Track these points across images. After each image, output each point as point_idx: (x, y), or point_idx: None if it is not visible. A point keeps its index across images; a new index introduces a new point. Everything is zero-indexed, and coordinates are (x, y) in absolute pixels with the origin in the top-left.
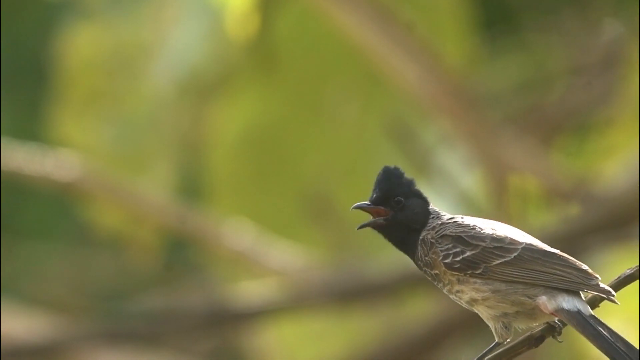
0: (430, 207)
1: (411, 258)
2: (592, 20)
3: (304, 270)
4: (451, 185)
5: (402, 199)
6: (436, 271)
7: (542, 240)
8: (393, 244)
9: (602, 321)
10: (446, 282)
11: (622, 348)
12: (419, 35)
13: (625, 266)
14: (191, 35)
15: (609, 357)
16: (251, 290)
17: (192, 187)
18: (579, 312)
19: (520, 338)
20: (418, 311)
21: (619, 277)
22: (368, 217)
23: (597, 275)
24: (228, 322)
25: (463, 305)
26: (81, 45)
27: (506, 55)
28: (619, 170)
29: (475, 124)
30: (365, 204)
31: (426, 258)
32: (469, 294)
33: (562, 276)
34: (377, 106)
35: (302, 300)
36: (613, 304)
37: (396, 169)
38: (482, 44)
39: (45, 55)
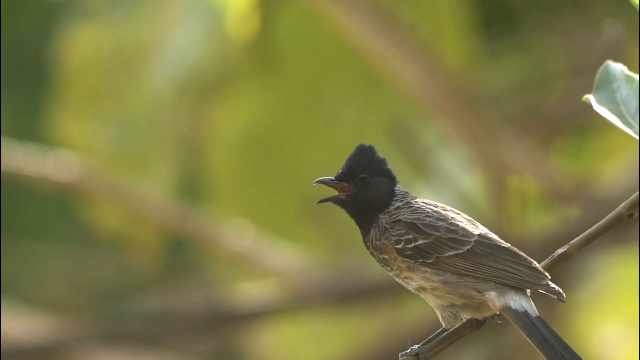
0: (397, 188)
1: (362, 236)
2: (592, 21)
3: (303, 271)
4: (451, 186)
5: (367, 176)
6: (385, 256)
7: (542, 242)
8: (353, 219)
9: (547, 324)
10: (395, 267)
11: (565, 356)
12: (419, 36)
13: (625, 267)
14: (191, 35)
15: None
16: (251, 291)
17: (192, 188)
18: (525, 313)
19: (463, 321)
20: (417, 312)
21: (551, 257)
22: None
23: (547, 274)
24: (228, 323)
25: (410, 290)
26: (81, 45)
27: (506, 56)
28: (618, 171)
29: (475, 124)
30: (328, 179)
31: (377, 242)
32: (417, 282)
33: (513, 273)
34: (377, 107)
35: (301, 301)
36: (611, 304)
37: (369, 147)
38: (481, 45)
39: (45, 55)
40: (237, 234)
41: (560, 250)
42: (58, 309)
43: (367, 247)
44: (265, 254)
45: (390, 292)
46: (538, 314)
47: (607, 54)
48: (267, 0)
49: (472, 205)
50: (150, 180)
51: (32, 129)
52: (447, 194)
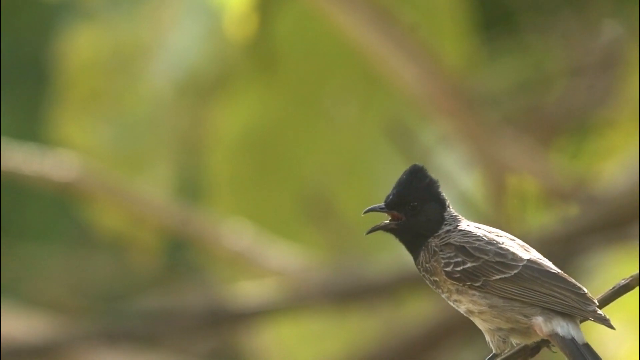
0: (446, 213)
1: (414, 261)
2: (591, 21)
3: (302, 270)
4: (450, 185)
5: (417, 205)
6: (436, 278)
7: (542, 241)
8: (402, 243)
9: (595, 351)
10: (445, 290)
11: None
12: (418, 36)
13: (624, 267)
14: (190, 35)
15: None
16: (250, 291)
17: (191, 188)
18: (572, 340)
19: (516, 348)
20: (417, 312)
21: (613, 288)
22: (371, 220)
23: (595, 301)
24: (227, 323)
25: (460, 312)
26: (80, 45)
27: (505, 56)
28: (618, 170)
29: (474, 124)
30: (378, 206)
31: (427, 265)
32: (466, 305)
33: (560, 299)
34: (376, 107)
35: (301, 301)
36: (614, 303)
37: (421, 170)
38: (481, 45)
39: (45, 56)
40: (236, 233)
41: (622, 282)
42: (57, 309)
43: (419, 270)
44: (265, 253)
45: (389, 292)
46: (586, 342)
47: (606, 55)
48: (266, 1)
49: (471, 205)
50: (150, 181)
51: (31, 129)
52: (447, 193)
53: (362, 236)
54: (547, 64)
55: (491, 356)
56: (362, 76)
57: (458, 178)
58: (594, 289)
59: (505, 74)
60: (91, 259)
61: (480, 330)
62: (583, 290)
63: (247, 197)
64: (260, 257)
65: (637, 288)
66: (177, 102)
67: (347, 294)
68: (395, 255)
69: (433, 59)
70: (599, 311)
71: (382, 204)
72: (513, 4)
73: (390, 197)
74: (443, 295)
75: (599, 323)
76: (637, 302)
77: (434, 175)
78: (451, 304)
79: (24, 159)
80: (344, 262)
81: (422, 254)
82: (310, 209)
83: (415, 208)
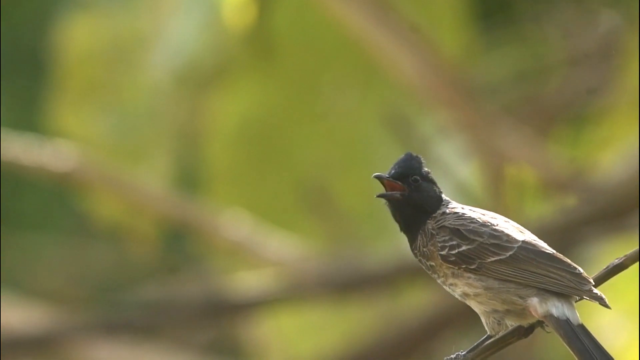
0: (443, 196)
1: (410, 243)
2: (589, 11)
3: (301, 261)
4: (448, 175)
5: (419, 179)
6: (432, 263)
7: (540, 231)
8: (399, 223)
9: (590, 332)
10: (441, 274)
11: None
12: (416, 26)
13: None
14: (188, 25)
15: None
16: (249, 281)
17: (189, 178)
18: (567, 321)
19: (510, 329)
20: (415, 302)
21: (606, 268)
22: (370, 210)
23: (591, 280)
24: (226, 313)
25: (456, 297)
26: (79, 36)
27: (503, 46)
28: (616, 160)
29: (472, 114)
30: (384, 175)
31: (424, 249)
32: (461, 288)
33: (555, 279)
34: (375, 97)
35: (299, 291)
36: (610, 293)
37: (417, 157)
38: (479, 35)
39: (43, 46)
40: (234, 224)
41: (615, 261)
42: (56, 300)
43: (415, 254)
44: (263, 243)
45: (388, 283)
46: (581, 322)
47: (604, 45)
48: None
49: (469, 195)
50: (148, 171)
51: (30, 119)
52: (445, 183)
53: (360, 226)
54: (546, 54)
55: (485, 337)
56: (361, 66)
57: (456, 168)
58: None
59: (504, 64)
60: (90, 249)
61: (479, 320)
62: (578, 270)
63: (246, 187)
64: (259, 247)
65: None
66: (176, 92)
67: (346, 285)
68: (393, 246)
69: (431, 48)
70: (595, 290)
71: (386, 174)
72: None
73: (393, 171)
74: (439, 281)
75: (595, 302)
76: (636, 292)
77: (432, 164)
78: (447, 288)
79: (23, 149)
80: (343, 252)
81: (419, 237)
82: (309, 199)
83: (417, 181)
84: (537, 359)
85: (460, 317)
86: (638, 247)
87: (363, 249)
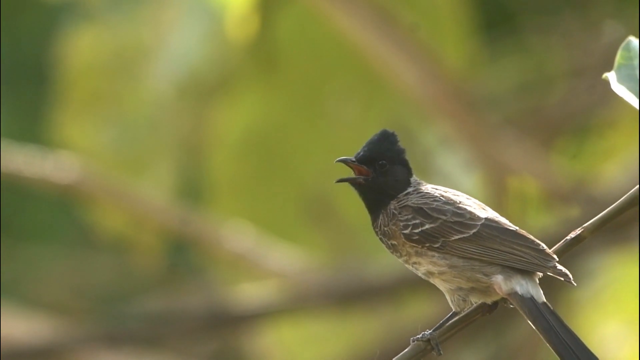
0: (412, 178)
1: (371, 222)
2: (593, 22)
3: (304, 272)
4: (451, 187)
5: (387, 163)
6: (394, 241)
7: (542, 242)
8: (365, 203)
9: (553, 310)
10: (404, 253)
11: (571, 344)
12: (419, 37)
13: (625, 267)
14: (191, 37)
15: (556, 353)
16: (251, 293)
17: (192, 190)
18: (531, 299)
19: (474, 306)
20: (417, 313)
21: (564, 240)
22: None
23: (555, 256)
24: (228, 324)
25: (419, 275)
26: (82, 47)
27: (506, 57)
28: (618, 172)
29: (475, 126)
30: (349, 159)
31: (385, 228)
32: (425, 267)
33: (519, 256)
34: (377, 108)
35: (302, 303)
36: (612, 304)
37: (392, 134)
38: (482, 46)
39: (46, 58)
40: (237, 235)
41: (573, 234)
42: (59, 311)
43: (376, 232)
44: (266, 255)
45: (390, 293)
46: (545, 300)
47: (607, 56)
48: (267, 2)
49: None
50: (151, 182)
51: (32, 130)
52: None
53: (362, 238)
54: (548, 65)
55: (451, 314)
56: (363, 77)
57: (459, 179)
58: (595, 289)
59: (506, 76)
60: (92, 260)
61: (482, 329)
62: (542, 246)
63: (248, 198)
64: (262, 258)
65: (637, 290)
66: (178, 104)
67: (348, 296)
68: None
69: (434, 60)
70: (559, 266)
71: (352, 157)
72: (514, 5)
73: (361, 153)
74: (401, 260)
75: (558, 277)
76: (637, 302)
77: (435, 175)
78: (409, 267)
79: (26, 161)
80: (345, 263)
81: (381, 216)
82: (312, 210)
83: (384, 166)
84: None
85: (462, 328)
86: (595, 218)
87: (365, 260)
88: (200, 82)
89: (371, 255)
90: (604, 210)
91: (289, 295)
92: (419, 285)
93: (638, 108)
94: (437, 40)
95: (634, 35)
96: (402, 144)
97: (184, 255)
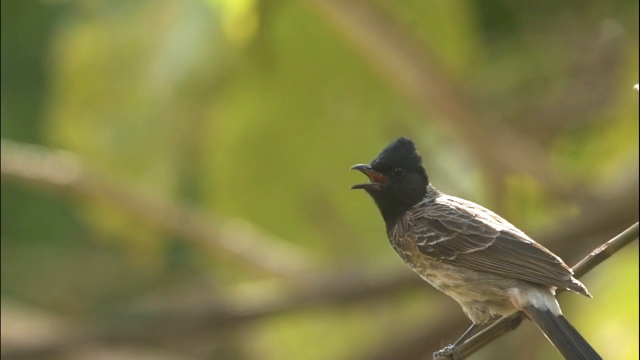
0: (428, 187)
1: (386, 230)
2: (591, 21)
3: (303, 272)
4: (450, 186)
5: (403, 171)
6: (408, 252)
7: (542, 242)
8: (380, 211)
9: (570, 324)
10: (418, 264)
11: (586, 358)
12: (418, 37)
13: (625, 267)
14: (189, 37)
15: None
16: (251, 293)
17: (191, 190)
18: (548, 312)
19: (497, 321)
20: (418, 313)
21: (589, 257)
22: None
23: (570, 270)
24: (228, 325)
25: (434, 287)
26: (80, 47)
27: (505, 56)
28: (618, 171)
29: (474, 125)
30: (365, 166)
31: (400, 239)
32: (440, 279)
33: (535, 270)
34: (376, 108)
35: (301, 303)
36: (612, 304)
37: (410, 142)
38: (480, 46)
39: (44, 58)
40: (236, 235)
41: (597, 250)
42: (58, 311)
43: (390, 241)
44: (265, 255)
45: (390, 294)
46: (561, 313)
47: (606, 55)
48: (266, 2)
49: None
50: (150, 182)
51: (31, 131)
52: (447, 194)
53: (362, 237)
54: (547, 65)
55: (471, 327)
56: (362, 77)
57: (458, 179)
58: (595, 290)
59: (505, 75)
60: (91, 260)
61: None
62: (557, 260)
63: (247, 198)
64: (261, 258)
65: (638, 290)
66: (177, 104)
67: (348, 296)
68: (395, 257)
69: (433, 59)
70: (575, 280)
71: (369, 165)
72: (513, 4)
73: (377, 160)
74: (415, 270)
75: (575, 292)
76: (637, 302)
77: (434, 175)
78: (424, 278)
79: (24, 161)
80: (345, 263)
81: (396, 226)
82: (311, 210)
83: (400, 174)
84: None
85: (462, 327)
86: (620, 235)
87: (365, 260)
88: (198, 82)
89: (370, 255)
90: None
91: (289, 295)
92: (418, 286)
93: (638, 107)
94: (436, 39)
95: (633, 35)
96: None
97: (183, 255)
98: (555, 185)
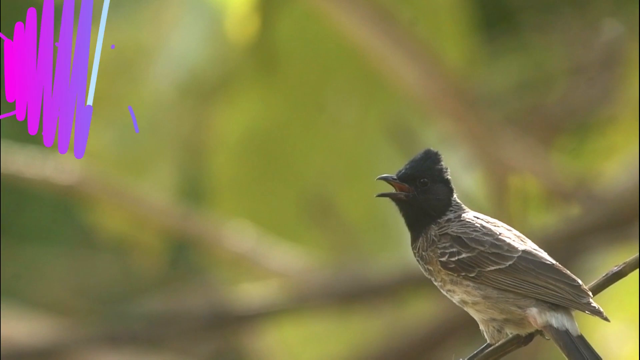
0: (454, 199)
1: (411, 242)
2: (592, 20)
3: (305, 272)
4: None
5: (428, 181)
6: (430, 267)
7: (544, 241)
8: (405, 221)
9: (589, 343)
10: (439, 279)
11: None
12: (419, 36)
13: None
14: (191, 37)
15: None
16: (253, 292)
17: (193, 190)
18: (566, 332)
19: (509, 337)
20: (419, 312)
21: (605, 275)
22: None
23: (590, 293)
24: (230, 324)
25: (454, 302)
26: None
27: (506, 55)
28: (619, 170)
29: (475, 124)
30: (391, 176)
31: (424, 253)
32: (460, 295)
33: (554, 291)
34: (378, 107)
35: (303, 302)
36: (612, 303)
37: (437, 154)
38: (481, 44)
39: None
40: (238, 235)
41: (615, 269)
42: (60, 312)
43: (414, 254)
44: (267, 255)
45: (392, 293)
46: (580, 334)
47: (606, 54)
48: (267, 2)
49: (473, 205)
50: (152, 183)
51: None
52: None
53: (363, 237)
54: (548, 63)
55: (485, 346)
56: (364, 77)
57: (460, 178)
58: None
59: (507, 74)
60: (94, 261)
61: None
62: (577, 282)
63: (250, 198)
64: (263, 258)
65: (638, 289)
66: (179, 104)
67: (350, 295)
68: (397, 256)
69: (434, 59)
70: (593, 303)
71: (394, 175)
72: (514, 3)
73: (403, 170)
74: (436, 284)
75: (593, 315)
76: (637, 303)
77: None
78: (444, 293)
79: (26, 162)
80: (346, 263)
81: (420, 239)
82: (313, 210)
83: (425, 184)
84: None
85: (463, 327)
86: (638, 255)
87: (366, 260)
88: (200, 82)
89: (372, 255)
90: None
91: (290, 295)
92: (420, 285)
93: (638, 105)
94: (437, 38)
95: (634, 34)
96: (444, 162)
97: (185, 255)
98: (557, 184)
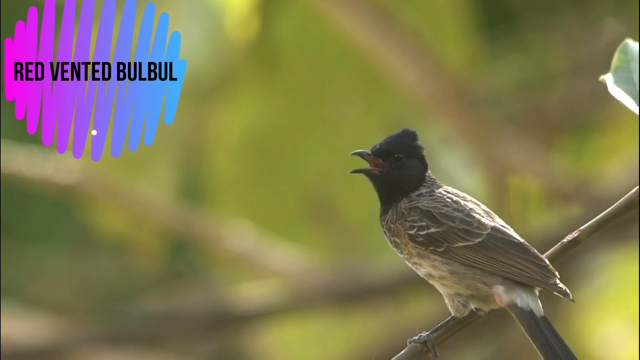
0: (428, 175)
1: (380, 215)
2: (593, 20)
3: (305, 272)
4: (452, 185)
5: (402, 157)
6: (397, 239)
7: (543, 241)
8: (378, 195)
9: (552, 325)
10: (405, 252)
11: None
12: (419, 36)
13: (626, 266)
14: (191, 37)
15: None
16: (253, 292)
17: (193, 190)
18: (530, 312)
19: (466, 314)
20: (419, 312)
21: (561, 243)
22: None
23: (557, 273)
24: (230, 324)
25: (419, 274)
26: None
27: (507, 55)
28: (619, 170)
29: (476, 124)
30: (365, 152)
31: (392, 225)
32: (426, 269)
33: (521, 270)
34: (378, 107)
35: (303, 302)
36: (613, 303)
37: (413, 132)
38: (482, 45)
39: None
40: (239, 235)
41: (570, 236)
42: (60, 311)
43: (382, 225)
44: (267, 255)
45: (392, 293)
46: (543, 314)
47: (607, 54)
48: (267, 2)
49: None
50: (152, 183)
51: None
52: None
53: (364, 237)
54: (549, 64)
55: (449, 319)
56: (364, 77)
57: (460, 178)
58: (596, 288)
59: (507, 74)
60: (93, 261)
61: (483, 330)
62: (544, 262)
63: (250, 198)
64: (263, 258)
65: (638, 288)
66: (179, 104)
67: (350, 295)
68: (397, 256)
69: (435, 59)
70: (560, 284)
71: (368, 150)
72: (515, 3)
73: (378, 146)
74: (401, 256)
75: (558, 295)
76: (637, 303)
77: (435, 174)
78: (409, 265)
79: (26, 161)
80: (347, 263)
81: (390, 212)
82: (313, 210)
83: (400, 160)
84: None
85: (463, 328)
86: (593, 221)
87: (367, 260)
88: (201, 82)
89: (372, 255)
90: (604, 209)
91: (291, 295)
92: (420, 285)
93: (637, 109)
94: (438, 39)
95: (635, 34)
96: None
97: (185, 255)
98: (557, 184)
